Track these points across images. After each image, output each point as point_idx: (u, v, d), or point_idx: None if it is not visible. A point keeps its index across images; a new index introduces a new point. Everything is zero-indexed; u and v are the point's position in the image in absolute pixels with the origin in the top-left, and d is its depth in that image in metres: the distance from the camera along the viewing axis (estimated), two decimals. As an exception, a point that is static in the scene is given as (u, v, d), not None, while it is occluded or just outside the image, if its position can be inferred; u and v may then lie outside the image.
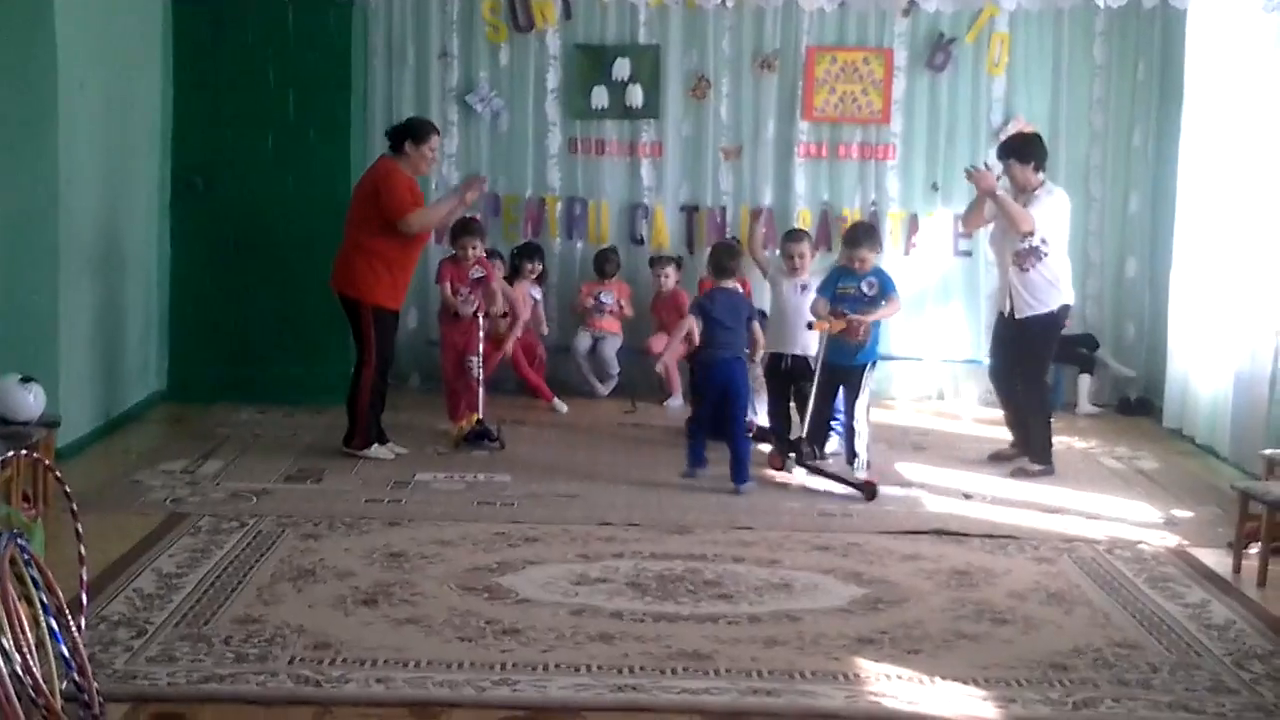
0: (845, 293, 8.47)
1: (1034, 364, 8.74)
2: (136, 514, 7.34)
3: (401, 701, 4.98)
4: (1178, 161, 10.40)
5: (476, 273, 9.30)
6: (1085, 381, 10.81)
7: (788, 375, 8.84)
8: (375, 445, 8.68)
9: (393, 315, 8.75)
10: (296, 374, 10.19)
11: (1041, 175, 8.70)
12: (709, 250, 9.34)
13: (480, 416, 9.03)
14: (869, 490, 8.08)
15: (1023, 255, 8.52)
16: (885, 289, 8.51)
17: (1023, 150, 8.71)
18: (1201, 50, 10.00)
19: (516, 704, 5.00)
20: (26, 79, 8.12)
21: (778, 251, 9.15)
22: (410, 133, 8.62)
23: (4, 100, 8.03)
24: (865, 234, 8.72)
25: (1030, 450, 8.76)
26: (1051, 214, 8.59)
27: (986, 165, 9.17)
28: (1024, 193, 8.61)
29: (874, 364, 8.69)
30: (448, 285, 9.27)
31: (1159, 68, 11.01)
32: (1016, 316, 8.61)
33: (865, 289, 8.46)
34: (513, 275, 10.60)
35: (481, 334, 9.15)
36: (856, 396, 8.46)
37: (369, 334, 8.55)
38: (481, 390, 9.13)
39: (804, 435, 8.55)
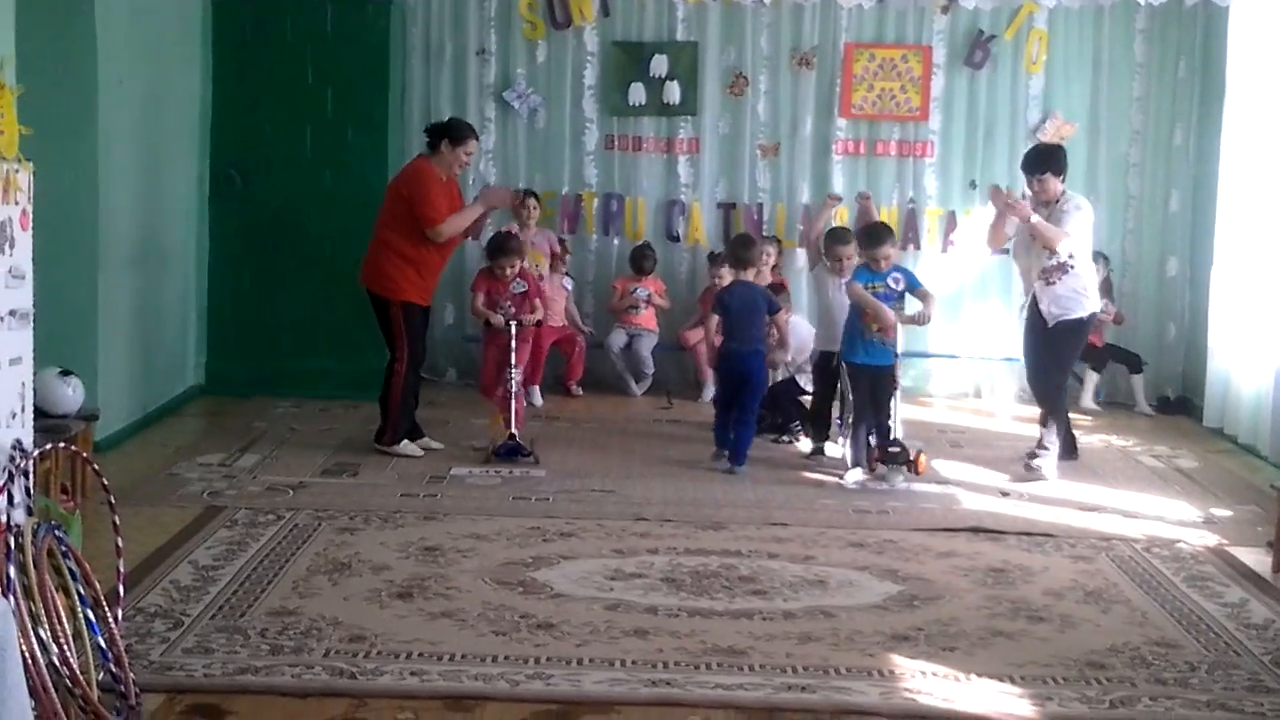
0: (873, 291, 8.39)
1: (1057, 368, 8.61)
2: (173, 507, 7.37)
3: (436, 694, 4.98)
4: (1219, 160, 10.32)
5: (519, 286, 8.85)
6: (1093, 378, 10.69)
7: (836, 373, 8.75)
8: (405, 441, 8.66)
9: (423, 311, 8.72)
10: (333, 368, 10.23)
11: (1063, 185, 8.60)
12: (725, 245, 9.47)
13: (514, 431, 8.58)
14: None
15: (1050, 270, 8.41)
16: (912, 283, 8.50)
17: (1056, 162, 8.56)
18: (1244, 48, 9.93)
19: (550, 698, 4.99)
20: (66, 75, 8.16)
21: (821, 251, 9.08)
22: (449, 132, 8.56)
23: (44, 96, 8.02)
24: (883, 233, 8.64)
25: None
26: (1081, 228, 8.47)
27: (1002, 188, 9.07)
28: (1047, 205, 8.48)
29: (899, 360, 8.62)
30: (482, 297, 8.82)
31: (1200, 66, 10.95)
32: (1049, 324, 8.47)
33: (892, 284, 8.40)
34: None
35: (514, 344, 8.66)
36: (891, 396, 8.35)
37: (399, 331, 8.52)
38: (516, 404, 8.66)
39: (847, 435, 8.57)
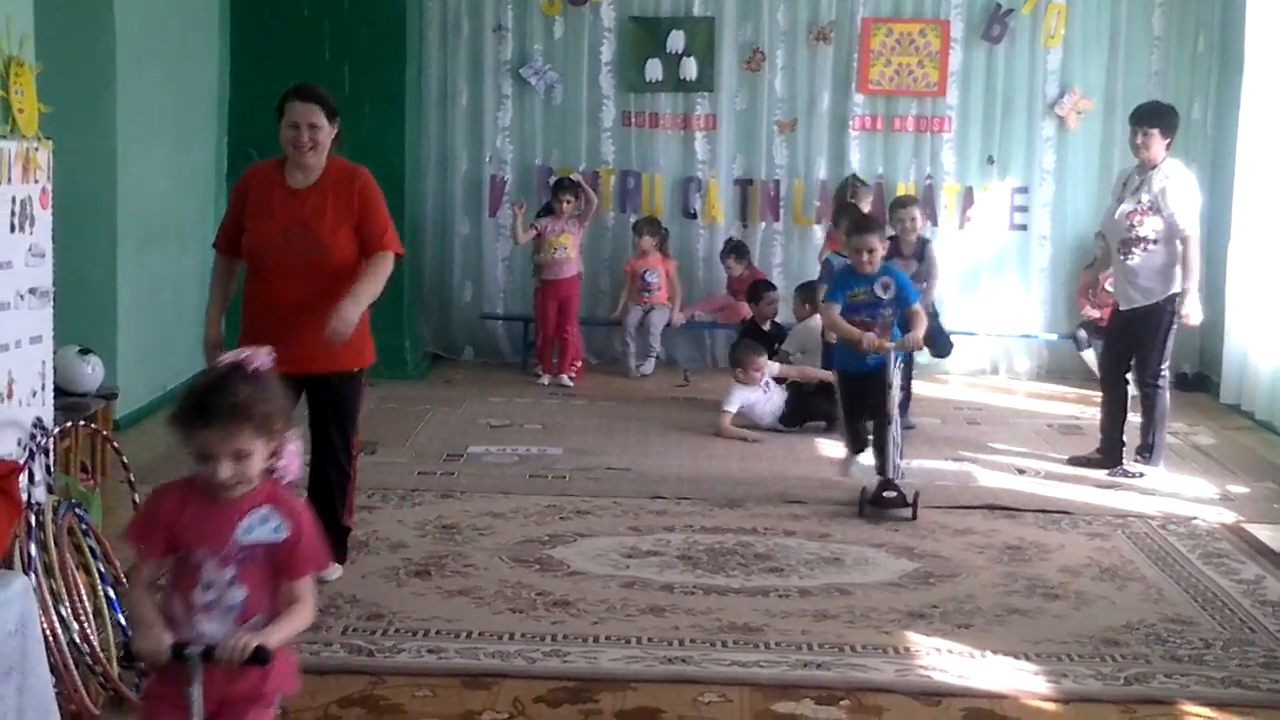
0: (856, 299, 7.23)
1: (1151, 356, 7.93)
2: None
3: (453, 671, 5.01)
4: (1237, 135, 10.29)
5: (262, 529, 3.24)
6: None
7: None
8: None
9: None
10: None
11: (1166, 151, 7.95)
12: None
13: None
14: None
15: (1129, 243, 7.82)
16: (904, 293, 7.24)
17: (1162, 119, 7.95)
18: (1263, 21, 9.89)
19: (567, 675, 5.01)
20: (85, 53, 8.18)
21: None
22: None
23: (63, 74, 8.07)
24: (870, 220, 7.81)
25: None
26: (1186, 202, 7.87)
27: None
28: (1152, 166, 7.90)
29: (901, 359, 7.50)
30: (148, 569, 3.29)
31: (1219, 40, 10.92)
32: (1121, 308, 8.03)
33: (880, 292, 7.20)
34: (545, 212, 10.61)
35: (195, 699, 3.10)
36: (886, 399, 7.18)
37: None
38: None
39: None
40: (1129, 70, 11.02)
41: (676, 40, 11.05)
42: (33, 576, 4.27)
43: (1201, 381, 10.80)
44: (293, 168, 5.76)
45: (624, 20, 11.12)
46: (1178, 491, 7.76)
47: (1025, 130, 11.01)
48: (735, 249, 10.80)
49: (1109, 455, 8.13)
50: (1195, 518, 7.26)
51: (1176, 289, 7.84)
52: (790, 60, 11.14)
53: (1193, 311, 7.82)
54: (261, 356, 3.24)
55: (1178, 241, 7.81)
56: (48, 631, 4.21)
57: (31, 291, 5.21)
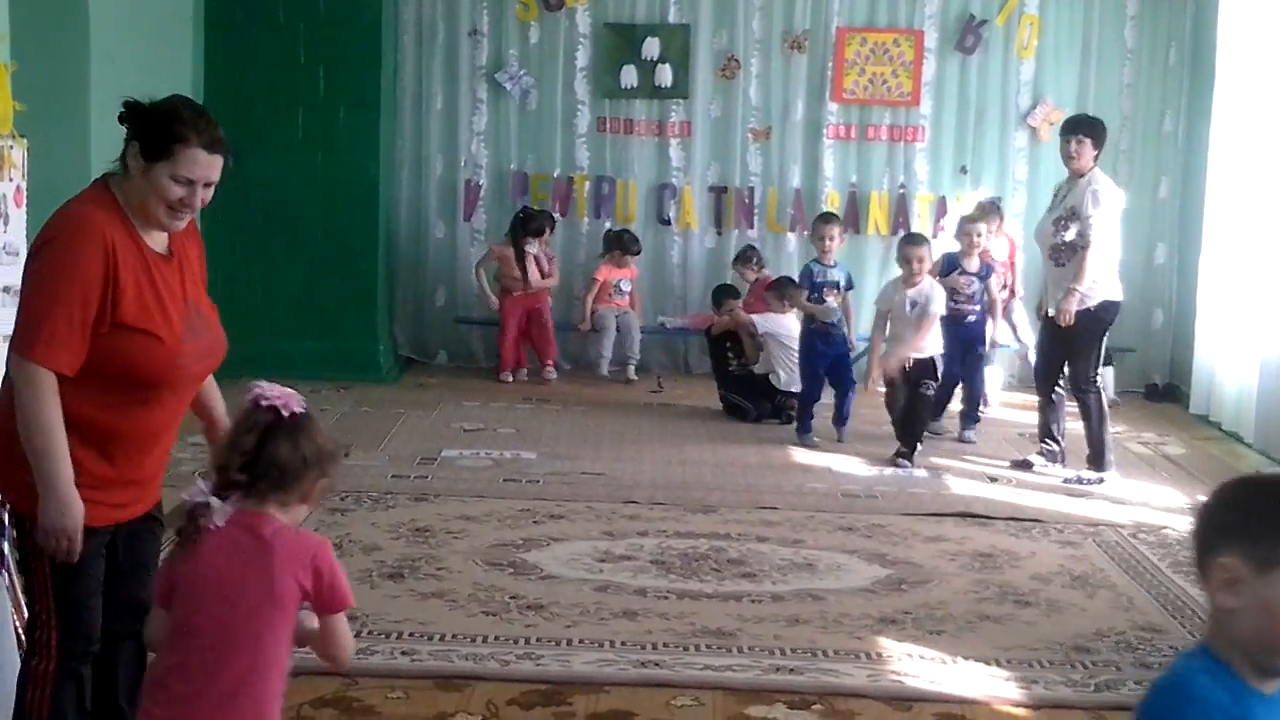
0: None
1: (1081, 361, 8.04)
2: (165, 486, 7.35)
3: (426, 674, 5.01)
4: (1208, 147, 10.36)
5: None
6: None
7: (916, 382, 8.51)
8: None
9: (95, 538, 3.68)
10: (323, 350, 10.22)
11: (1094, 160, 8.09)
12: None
13: None
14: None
15: (1058, 250, 7.97)
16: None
17: (1094, 130, 8.09)
18: (1234, 35, 9.96)
19: (540, 678, 5.02)
20: (59, 52, 8.15)
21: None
22: (144, 133, 3.73)
23: (35, 74, 8.03)
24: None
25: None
26: (1107, 210, 7.96)
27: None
28: (1080, 175, 7.99)
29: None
30: None
31: (1190, 52, 10.99)
32: (1051, 315, 8.04)
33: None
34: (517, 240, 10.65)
35: None
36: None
37: (44, 582, 3.66)
38: None
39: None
40: (1101, 82, 11.08)
41: (652, 47, 11.06)
42: (5, 575, 4.25)
43: (1171, 392, 10.86)
44: (143, 223, 3.72)
45: (599, 26, 11.12)
46: (1148, 500, 7.80)
47: (998, 140, 11.06)
48: (742, 256, 10.65)
49: (1095, 461, 8.13)
50: (1165, 527, 7.30)
51: (1105, 296, 7.94)
52: (765, 68, 11.16)
53: (1066, 312, 7.83)
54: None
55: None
56: (20, 629, 4.19)
57: (6, 290, 5.20)
